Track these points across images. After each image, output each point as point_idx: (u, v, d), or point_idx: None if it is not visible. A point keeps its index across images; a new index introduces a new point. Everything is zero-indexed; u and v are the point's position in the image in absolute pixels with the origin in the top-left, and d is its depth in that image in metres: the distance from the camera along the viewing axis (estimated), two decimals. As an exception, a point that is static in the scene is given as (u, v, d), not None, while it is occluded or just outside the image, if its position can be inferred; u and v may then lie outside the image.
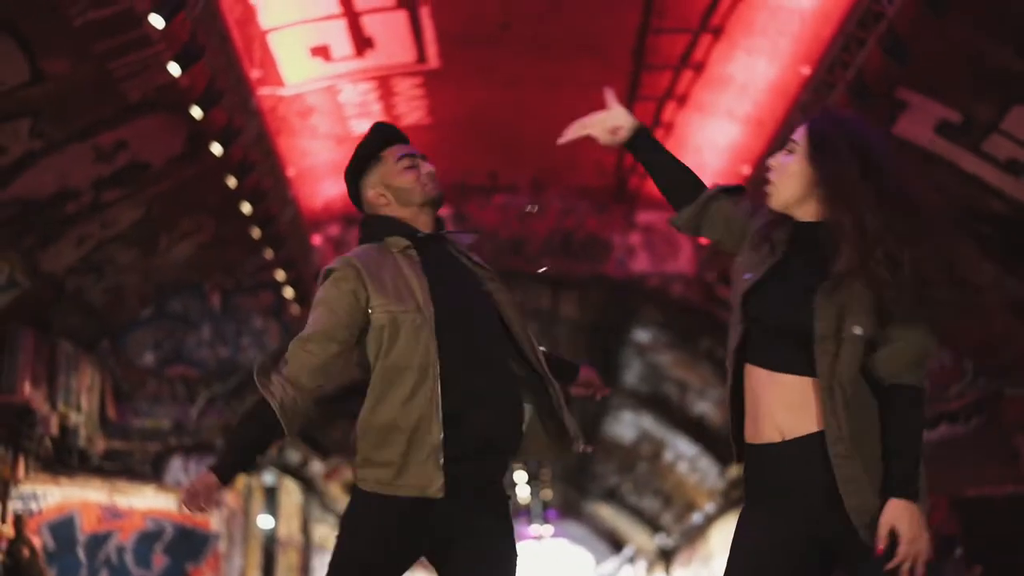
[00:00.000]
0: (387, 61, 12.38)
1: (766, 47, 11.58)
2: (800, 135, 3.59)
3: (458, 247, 4.22)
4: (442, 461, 3.77)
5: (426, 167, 4.19)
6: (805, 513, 3.37)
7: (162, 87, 10.85)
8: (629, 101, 13.19)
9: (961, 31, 9.97)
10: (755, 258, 3.57)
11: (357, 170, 4.26)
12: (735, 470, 19.14)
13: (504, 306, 4.12)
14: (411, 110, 13.51)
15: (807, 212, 3.56)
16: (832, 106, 10.89)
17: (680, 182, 3.87)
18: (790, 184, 3.56)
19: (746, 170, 13.15)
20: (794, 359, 3.41)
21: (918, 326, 3.43)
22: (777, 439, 3.41)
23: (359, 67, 12.39)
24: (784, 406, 3.41)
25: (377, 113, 13.46)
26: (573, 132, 3.97)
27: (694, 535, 26.17)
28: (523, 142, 14.75)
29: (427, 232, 4.14)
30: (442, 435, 3.79)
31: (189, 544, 14.87)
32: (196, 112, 10.18)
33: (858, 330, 3.35)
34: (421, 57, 12.33)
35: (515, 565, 3.90)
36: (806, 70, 11.04)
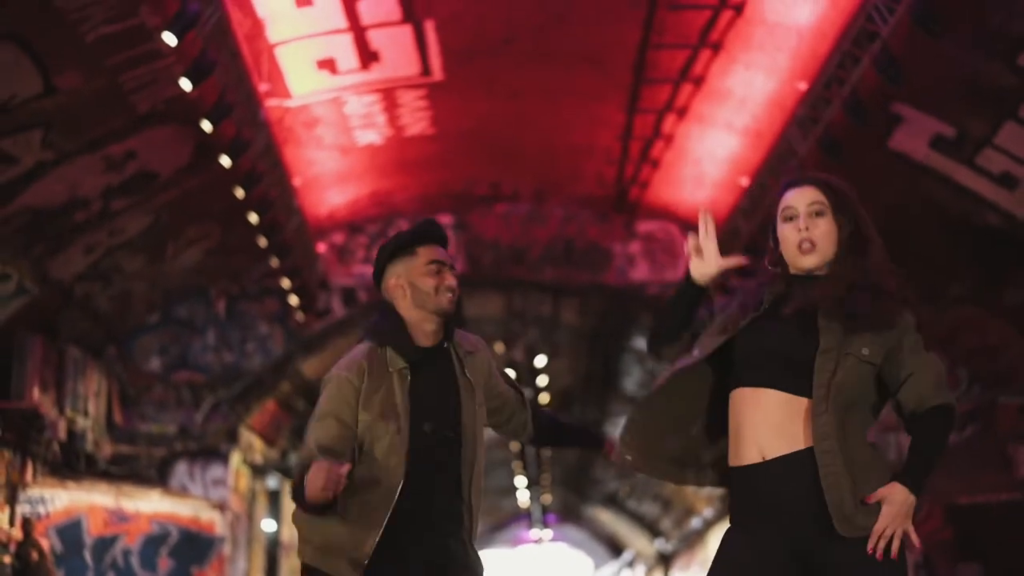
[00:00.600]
0: (392, 74, 12.57)
1: (764, 62, 11.76)
2: (820, 196, 3.75)
3: (458, 351, 4.36)
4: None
5: (449, 280, 4.27)
6: (788, 527, 3.55)
7: (171, 99, 11.08)
8: (630, 113, 13.39)
9: (954, 49, 10.16)
10: (724, 324, 3.79)
11: (390, 255, 4.35)
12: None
13: (466, 432, 4.28)
14: (415, 121, 13.69)
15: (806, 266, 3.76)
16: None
17: (682, 333, 3.94)
18: (830, 243, 3.72)
19: (744, 181, 13.33)
20: (781, 377, 3.62)
21: (922, 351, 3.69)
22: (758, 459, 3.60)
23: (364, 79, 12.58)
24: (767, 426, 3.61)
25: (382, 124, 13.65)
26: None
27: (693, 540, 26.31)
28: (525, 153, 14.94)
29: (426, 347, 4.29)
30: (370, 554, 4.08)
31: (194, 547, 15.02)
32: (206, 126, 10.38)
33: (866, 351, 3.59)
34: (425, 70, 12.52)
35: None
36: (803, 85, 11.23)
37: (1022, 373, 13.81)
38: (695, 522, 24.89)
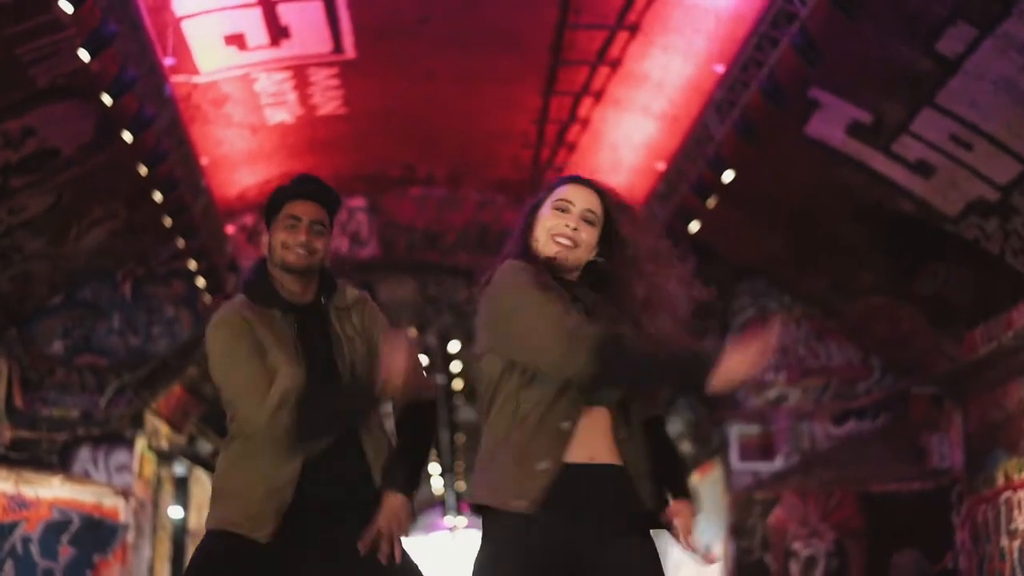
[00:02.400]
0: (303, 51, 12.29)
1: (681, 45, 11.65)
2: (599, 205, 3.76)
3: (337, 308, 4.28)
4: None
5: (300, 236, 4.16)
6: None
7: (72, 73, 10.67)
8: (546, 96, 13.23)
9: (872, 32, 10.13)
10: None
11: (266, 214, 4.33)
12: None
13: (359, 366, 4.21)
14: (327, 100, 13.43)
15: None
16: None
17: None
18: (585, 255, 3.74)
19: (661, 166, 13.22)
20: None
21: None
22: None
23: (274, 56, 12.29)
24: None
25: (293, 103, 13.37)
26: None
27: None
28: (440, 135, 14.73)
29: (297, 304, 4.22)
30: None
31: (96, 535, 14.67)
32: (106, 99, 10.04)
33: None
34: (337, 47, 12.25)
35: None
36: (720, 68, 11.13)
37: (934, 363, 13.85)
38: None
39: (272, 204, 4.27)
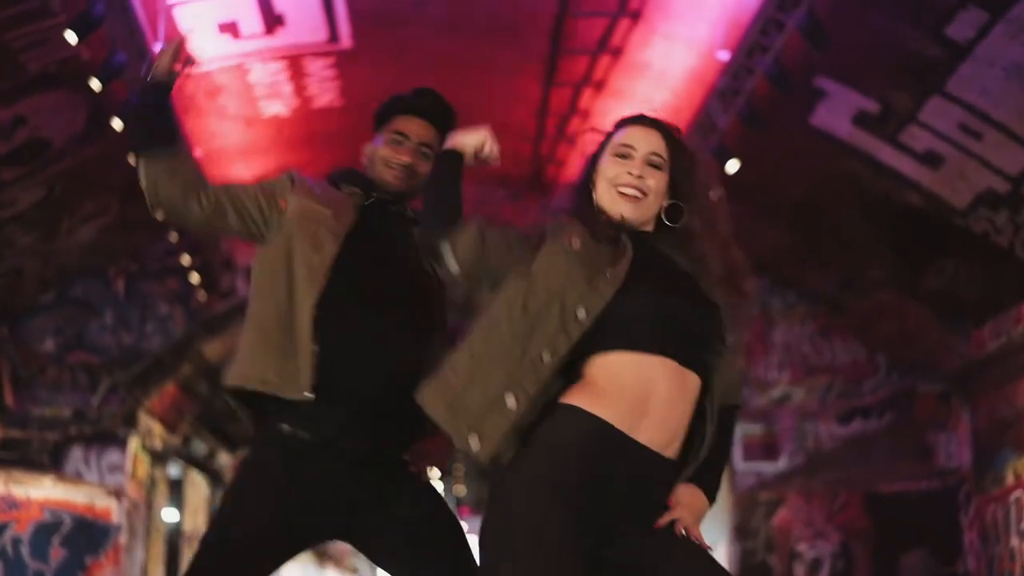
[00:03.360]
0: (298, 40, 12.11)
1: (684, 32, 11.49)
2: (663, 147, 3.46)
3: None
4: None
5: (403, 156, 3.94)
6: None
7: (63, 61, 10.51)
8: (546, 87, 13.08)
9: (880, 17, 9.98)
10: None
11: (375, 122, 4.15)
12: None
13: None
14: (323, 91, 13.28)
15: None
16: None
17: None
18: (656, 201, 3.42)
19: (663, 159, 13.05)
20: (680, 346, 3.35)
21: (740, 343, 3.43)
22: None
23: (269, 45, 12.10)
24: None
25: (288, 94, 13.21)
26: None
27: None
28: (438, 128, 14.59)
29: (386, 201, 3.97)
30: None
31: (88, 536, 14.47)
32: (95, 84, 9.85)
33: None
34: (333, 36, 12.08)
35: None
36: (724, 55, 10.94)
37: (941, 360, 13.71)
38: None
39: (383, 113, 4.08)
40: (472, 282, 3.42)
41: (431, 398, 3.24)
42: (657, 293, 3.25)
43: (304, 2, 11.42)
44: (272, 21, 11.60)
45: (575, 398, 3.17)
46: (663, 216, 3.40)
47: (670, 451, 3.23)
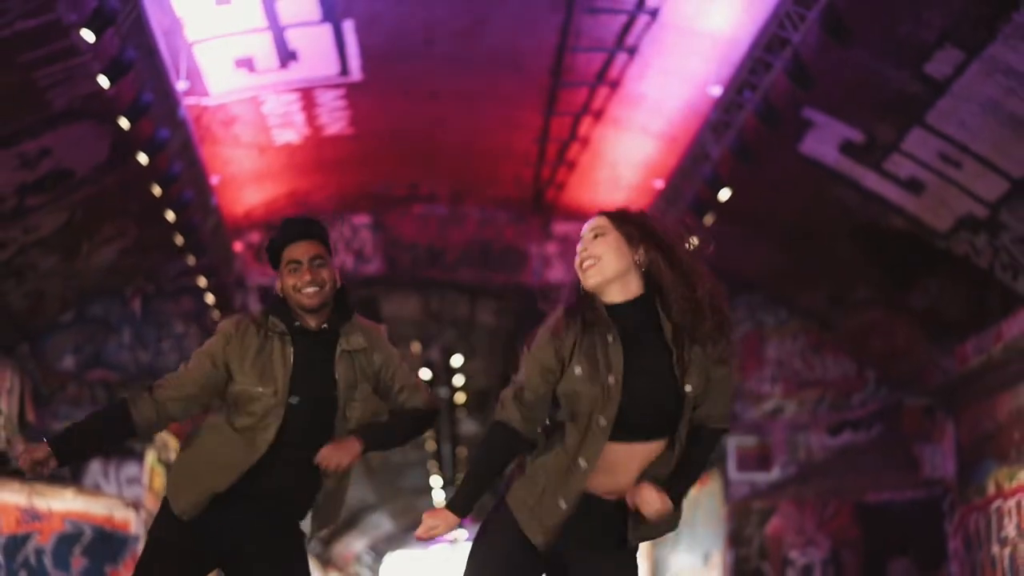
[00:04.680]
0: (310, 73, 12.58)
1: (678, 67, 11.93)
2: (603, 222, 4.07)
3: (347, 343, 4.64)
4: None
5: (305, 276, 4.56)
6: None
7: (87, 96, 10.98)
8: (547, 116, 13.48)
9: (863, 56, 10.40)
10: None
11: (272, 262, 4.73)
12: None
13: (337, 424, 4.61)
14: (333, 121, 13.69)
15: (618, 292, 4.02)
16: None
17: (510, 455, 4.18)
18: (614, 259, 4.01)
19: (659, 184, 13.47)
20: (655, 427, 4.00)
21: (728, 374, 4.03)
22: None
23: (283, 79, 12.58)
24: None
25: (300, 124, 13.65)
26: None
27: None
28: (443, 154, 14.98)
29: (309, 328, 4.61)
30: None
31: (108, 546, 14.83)
32: (124, 123, 10.31)
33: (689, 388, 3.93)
34: (344, 70, 12.54)
35: None
36: (716, 90, 11.38)
37: (927, 375, 14.09)
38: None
39: (272, 255, 4.67)
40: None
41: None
42: (638, 392, 3.94)
43: (317, 39, 11.88)
44: (286, 57, 12.07)
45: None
46: (640, 268, 4.03)
47: (614, 496, 4.02)
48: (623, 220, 4.03)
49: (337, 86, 12.90)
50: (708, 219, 12.24)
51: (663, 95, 12.49)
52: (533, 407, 4.02)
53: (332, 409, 4.56)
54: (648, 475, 3.94)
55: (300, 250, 4.58)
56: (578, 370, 3.94)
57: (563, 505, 3.94)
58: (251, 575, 4.57)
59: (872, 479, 14.59)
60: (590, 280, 3.99)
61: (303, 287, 4.54)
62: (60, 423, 15.26)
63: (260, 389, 4.49)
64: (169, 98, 11.01)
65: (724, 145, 11.27)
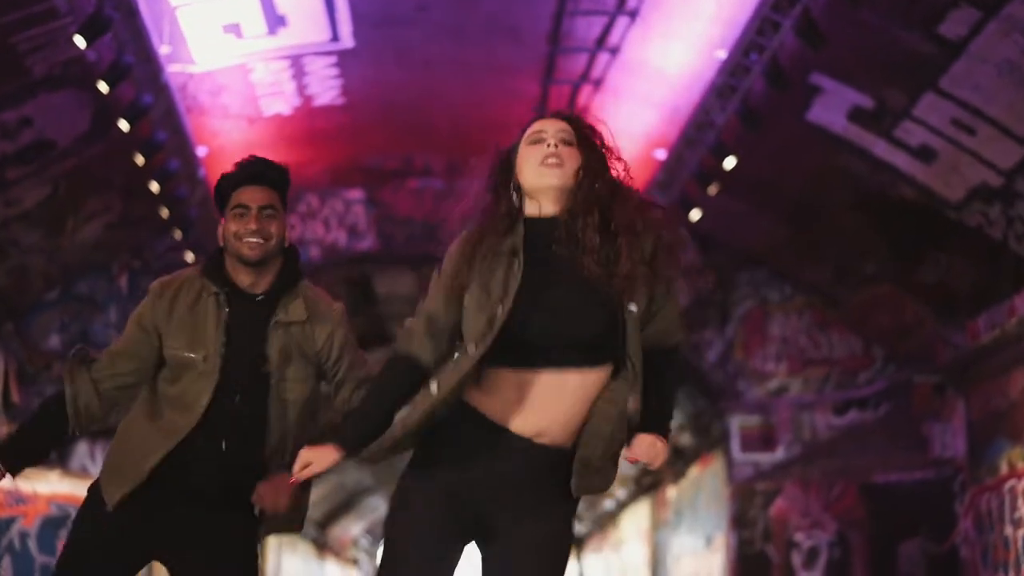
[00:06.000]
0: (300, 40, 12.23)
1: (682, 31, 11.59)
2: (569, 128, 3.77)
3: (286, 313, 4.16)
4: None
5: (250, 224, 4.08)
6: None
7: (68, 62, 10.66)
8: (544, 85, 13.18)
9: (874, 17, 10.09)
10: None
11: (218, 204, 4.25)
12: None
13: (273, 401, 4.14)
14: (324, 91, 13.38)
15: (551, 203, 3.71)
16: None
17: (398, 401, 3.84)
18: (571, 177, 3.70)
19: (661, 155, 13.16)
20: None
21: (672, 290, 3.72)
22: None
23: (272, 46, 12.23)
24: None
25: (290, 93, 13.31)
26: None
27: (605, 522, 26.25)
28: (438, 126, 14.67)
29: (245, 291, 4.13)
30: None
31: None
32: (103, 87, 9.98)
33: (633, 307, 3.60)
34: (335, 36, 12.20)
35: None
36: (722, 54, 11.07)
37: (936, 351, 13.77)
38: (608, 504, 24.79)
39: (220, 193, 4.20)
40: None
41: None
42: (541, 312, 3.57)
43: (307, 3, 11.55)
44: (275, 22, 11.72)
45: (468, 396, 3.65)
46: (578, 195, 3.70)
47: (546, 439, 3.59)
48: (591, 148, 3.74)
49: (328, 53, 12.57)
50: (712, 189, 11.96)
51: (665, 61, 12.18)
52: (442, 340, 3.74)
53: (266, 385, 4.10)
54: (596, 414, 3.57)
55: (251, 195, 4.11)
56: (468, 300, 3.67)
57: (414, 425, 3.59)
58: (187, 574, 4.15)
59: (880, 459, 14.35)
60: (554, 179, 3.66)
61: (246, 235, 4.06)
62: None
63: (190, 354, 4.03)
64: (151, 62, 10.69)
65: (729, 111, 10.98)
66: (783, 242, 14.67)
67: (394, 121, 14.48)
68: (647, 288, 3.60)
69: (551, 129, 3.73)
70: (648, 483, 20.04)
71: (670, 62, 12.17)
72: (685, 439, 17.17)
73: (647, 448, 3.61)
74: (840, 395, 15.15)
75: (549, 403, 3.55)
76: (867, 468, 14.47)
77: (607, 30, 11.93)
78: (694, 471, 17.49)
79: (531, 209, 3.72)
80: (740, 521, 15.25)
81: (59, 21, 10.03)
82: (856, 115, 11.59)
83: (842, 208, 13.17)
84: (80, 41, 9.38)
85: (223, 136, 13.81)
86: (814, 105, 11.68)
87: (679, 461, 17.71)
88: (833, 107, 11.62)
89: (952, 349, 13.32)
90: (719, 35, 11.11)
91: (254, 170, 4.19)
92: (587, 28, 11.97)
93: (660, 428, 3.66)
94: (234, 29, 11.75)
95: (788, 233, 14.46)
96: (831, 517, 14.55)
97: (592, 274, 3.55)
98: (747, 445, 15.39)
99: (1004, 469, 12.25)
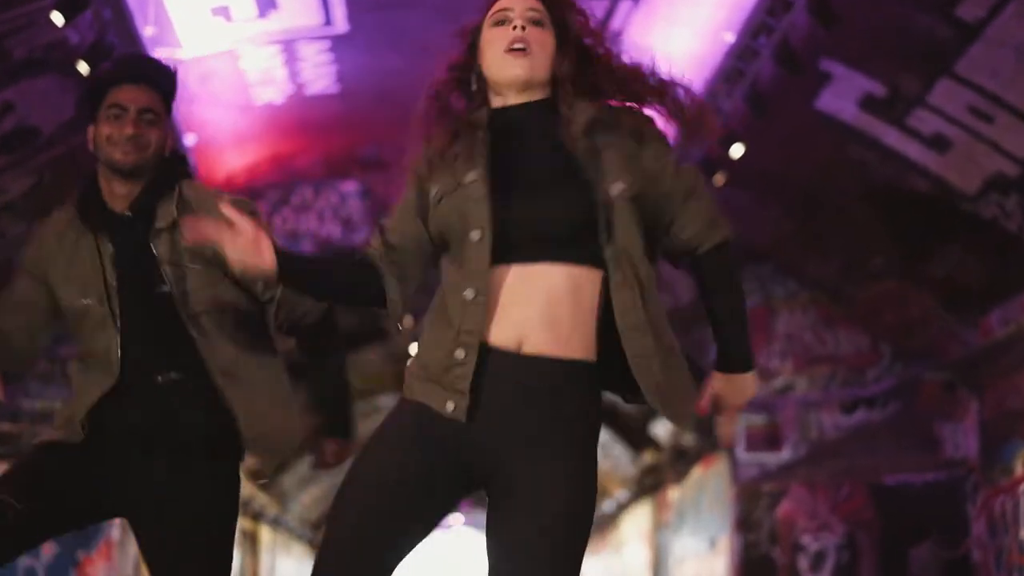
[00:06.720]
0: (292, 24, 11.92)
1: (687, 14, 11.30)
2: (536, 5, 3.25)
3: (158, 221, 3.70)
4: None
5: (127, 128, 3.64)
6: None
7: (49, 45, 10.26)
8: (546, 71, 12.90)
9: (887, -1, 9.83)
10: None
11: (88, 105, 3.79)
12: (648, 457, 19.04)
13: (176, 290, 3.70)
14: (317, 77, 13.08)
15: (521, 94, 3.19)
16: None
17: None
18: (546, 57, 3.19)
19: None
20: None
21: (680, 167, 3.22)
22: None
23: (262, 30, 11.92)
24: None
25: (282, 81, 13.01)
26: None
27: (605, 523, 26.02)
28: (435, 115, 14.42)
29: (121, 214, 3.71)
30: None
31: (80, 531, 14.29)
32: (83, 67, 9.63)
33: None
34: (328, 20, 11.90)
35: None
36: (730, 37, 10.77)
37: (947, 348, 13.53)
38: (607, 505, 24.57)
39: (94, 92, 3.76)
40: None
41: None
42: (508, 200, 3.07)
43: (298, -16, 11.28)
44: (265, 5, 11.44)
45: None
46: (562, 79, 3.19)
47: (530, 346, 3.01)
48: (567, 28, 3.24)
49: (321, 38, 12.26)
50: (719, 178, 11.67)
51: (670, 47, 11.85)
52: (396, 251, 3.22)
53: (171, 305, 3.64)
54: (624, 336, 3.03)
55: (130, 94, 3.67)
56: (434, 190, 3.17)
57: (460, 355, 2.98)
58: (145, 526, 3.80)
59: (889, 460, 14.18)
60: (518, 70, 3.14)
61: (120, 140, 3.63)
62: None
63: (84, 301, 3.65)
64: (135, 44, 10.35)
65: (737, 97, 10.68)
66: (789, 235, 14.41)
67: (389, 109, 14.11)
68: (635, 161, 3.12)
69: (518, 7, 3.21)
70: (649, 484, 19.85)
71: (676, 47, 11.85)
72: (687, 439, 16.94)
73: (717, 392, 3.16)
74: (847, 393, 15.00)
75: (521, 300, 2.99)
76: (876, 469, 14.29)
77: (609, 14, 11.63)
78: (697, 471, 17.31)
79: (497, 103, 3.24)
80: (745, 523, 15.07)
81: (38, 3, 9.68)
82: (867, 103, 11.29)
83: (851, 200, 12.93)
84: (58, 18, 9.01)
85: (213, 126, 13.51)
86: (824, 93, 11.39)
87: (681, 461, 17.53)
88: (843, 94, 11.33)
89: (963, 346, 13.11)
90: (726, 18, 10.83)
91: (133, 67, 3.81)
92: (589, 11, 11.65)
93: (727, 361, 3.18)
94: (223, 12, 11.45)
95: (794, 226, 14.19)
96: (839, 519, 14.37)
97: (574, 149, 3.06)
98: (752, 445, 15.25)
99: (1019, 470, 12.03)
